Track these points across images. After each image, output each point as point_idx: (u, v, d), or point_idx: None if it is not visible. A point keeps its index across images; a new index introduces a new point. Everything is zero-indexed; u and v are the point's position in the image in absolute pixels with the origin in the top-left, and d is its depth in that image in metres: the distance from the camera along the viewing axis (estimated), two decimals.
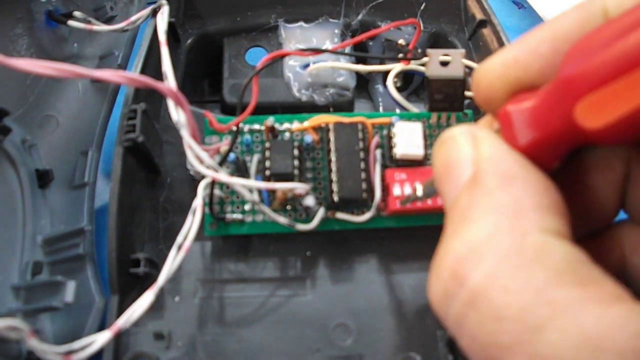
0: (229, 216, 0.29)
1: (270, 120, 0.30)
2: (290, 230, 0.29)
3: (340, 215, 0.30)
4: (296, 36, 0.39)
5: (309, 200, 0.28)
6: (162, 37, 0.31)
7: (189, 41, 0.39)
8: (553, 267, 0.13)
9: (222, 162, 0.28)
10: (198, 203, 0.26)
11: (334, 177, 0.29)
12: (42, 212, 0.33)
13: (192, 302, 0.29)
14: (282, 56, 0.32)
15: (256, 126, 0.31)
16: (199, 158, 0.25)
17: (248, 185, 0.27)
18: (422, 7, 0.40)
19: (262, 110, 0.31)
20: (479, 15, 0.38)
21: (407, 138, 0.30)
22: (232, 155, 0.29)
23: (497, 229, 0.14)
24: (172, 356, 0.27)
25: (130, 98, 0.30)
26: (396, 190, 0.29)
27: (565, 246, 0.14)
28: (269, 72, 0.37)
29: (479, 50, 0.39)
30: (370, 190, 0.29)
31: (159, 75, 0.29)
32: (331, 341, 0.28)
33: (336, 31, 0.40)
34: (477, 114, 0.33)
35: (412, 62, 0.36)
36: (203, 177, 0.27)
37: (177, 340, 0.28)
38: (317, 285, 0.30)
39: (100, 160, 0.36)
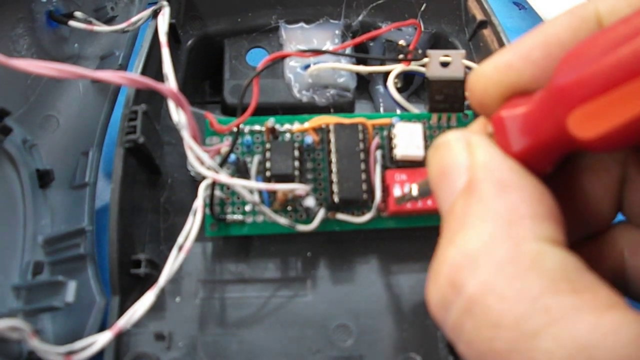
0: (229, 217, 0.30)
1: (270, 121, 0.30)
2: (291, 231, 0.29)
3: (341, 216, 0.30)
4: (297, 37, 0.39)
5: (310, 201, 0.28)
6: (163, 38, 0.31)
7: (190, 42, 0.39)
8: (548, 275, 0.13)
9: (223, 163, 0.28)
10: (199, 204, 0.26)
11: (334, 178, 0.29)
12: (43, 212, 0.33)
13: (192, 302, 0.29)
14: (283, 57, 0.32)
15: (257, 127, 0.31)
16: (200, 159, 0.25)
17: (248, 186, 0.27)
18: (422, 8, 0.40)
19: (263, 111, 0.31)
20: (480, 16, 0.38)
21: (408, 139, 0.30)
22: (232, 156, 0.29)
23: (493, 237, 0.14)
24: (172, 357, 0.28)
25: (131, 99, 0.30)
26: (396, 191, 0.29)
27: (560, 253, 0.14)
28: (270, 73, 0.37)
29: (480, 51, 0.39)
30: (371, 191, 0.29)
31: (159, 76, 0.29)
32: (331, 342, 0.28)
33: (337, 32, 0.40)
34: (477, 114, 0.33)
35: (412, 63, 0.36)
36: (204, 178, 0.27)
37: (178, 340, 0.28)
38: (317, 286, 0.30)
39: (101, 161, 0.36)
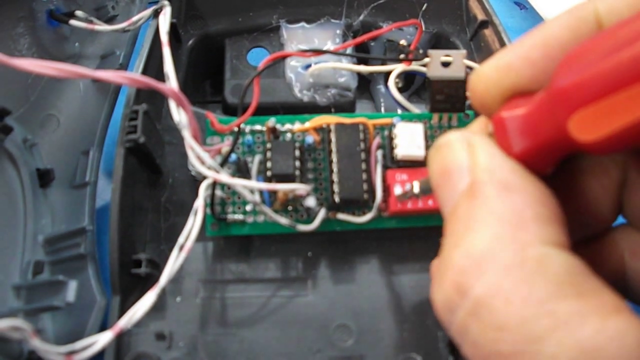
0: (230, 217, 0.30)
1: (271, 121, 0.30)
2: (292, 231, 0.29)
3: (341, 216, 0.30)
4: (298, 37, 0.39)
5: (310, 201, 0.28)
6: (164, 37, 0.31)
7: (191, 42, 0.39)
8: (553, 279, 0.13)
9: (224, 163, 0.28)
10: (199, 204, 0.26)
11: (335, 177, 0.29)
12: (43, 211, 0.33)
13: (193, 302, 0.29)
14: (284, 57, 0.32)
15: (257, 127, 0.31)
16: (201, 159, 0.25)
17: (249, 186, 0.27)
18: (423, 8, 0.40)
19: (264, 110, 0.31)
20: (481, 16, 0.38)
21: (409, 139, 0.30)
22: (233, 156, 0.29)
23: (498, 240, 0.14)
24: (173, 356, 0.27)
25: (131, 99, 0.30)
26: (397, 191, 0.29)
27: (565, 257, 0.14)
28: (271, 73, 0.37)
29: (481, 51, 0.39)
30: (372, 191, 0.29)
31: (160, 76, 0.29)
32: (332, 342, 0.28)
33: (338, 32, 0.40)
34: (478, 114, 0.33)
35: (413, 62, 0.36)
36: (204, 177, 0.27)
37: (179, 340, 0.28)
38: (318, 285, 0.30)
39: (102, 160, 0.36)
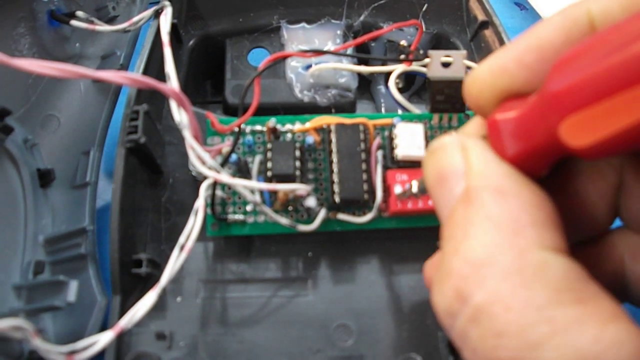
0: (230, 217, 0.30)
1: (272, 121, 0.30)
2: (292, 231, 0.29)
3: (342, 216, 0.30)
4: (298, 37, 0.39)
5: (311, 201, 0.28)
6: (166, 38, 0.31)
7: (191, 42, 0.39)
8: (552, 285, 0.13)
9: (224, 163, 0.28)
10: (200, 204, 0.26)
11: (335, 178, 0.29)
12: (44, 211, 0.33)
13: (194, 302, 0.29)
14: (284, 57, 0.32)
15: (258, 127, 0.31)
16: (201, 159, 0.25)
17: (250, 186, 0.27)
18: (424, 9, 0.40)
19: (264, 111, 0.31)
20: (481, 17, 0.38)
21: (409, 139, 0.30)
22: (234, 156, 0.29)
23: (497, 247, 0.14)
24: (173, 356, 0.28)
25: (132, 99, 0.30)
26: (397, 190, 0.29)
27: (564, 262, 0.14)
28: (271, 73, 0.37)
29: (481, 52, 0.39)
30: (372, 191, 0.29)
31: (161, 76, 0.29)
32: (332, 342, 0.28)
33: (338, 32, 0.40)
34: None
35: (414, 63, 0.36)
36: (205, 178, 0.27)
37: (179, 340, 0.28)
38: (318, 285, 0.30)
39: (102, 160, 0.36)
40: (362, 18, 0.40)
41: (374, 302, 0.30)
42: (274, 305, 0.29)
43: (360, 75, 0.38)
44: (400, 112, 0.38)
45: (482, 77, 0.17)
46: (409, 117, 0.32)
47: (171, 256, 0.25)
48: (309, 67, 0.37)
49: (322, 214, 0.29)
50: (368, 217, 0.30)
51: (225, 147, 0.29)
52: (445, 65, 0.30)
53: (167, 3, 0.34)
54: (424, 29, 0.38)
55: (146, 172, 0.32)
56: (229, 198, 0.30)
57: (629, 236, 0.19)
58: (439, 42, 0.41)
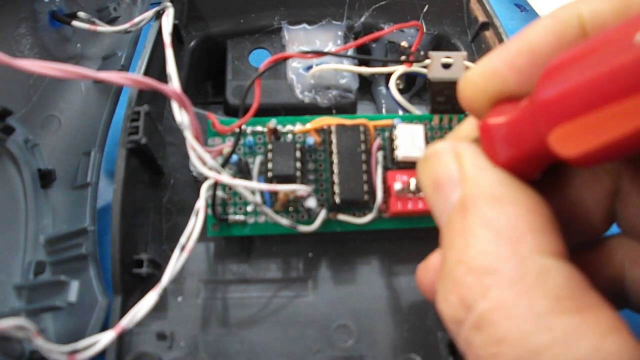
0: (231, 217, 0.30)
1: (272, 122, 0.30)
2: (292, 232, 0.29)
3: (342, 216, 0.30)
4: (299, 38, 0.39)
5: (311, 202, 0.28)
6: (167, 38, 0.31)
7: (192, 43, 0.39)
8: (552, 292, 0.13)
9: (225, 164, 0.28)
10: (201, 204, 0.26)
11: (335, 179, 0.29)
12: (45, 211, 0.33)
13: (194, 302, 0.29)
14: (285, 58, 0.32)
15: (259, 128, 0.31)
16: (202, 159, 0.25)
17: (250, 187, 0.27)
18: (424, 10, 0.40)
19: (265, 112, 0.31)
20: (482, 18, 0.38)
21: (409, 140, 0.30)
22: (234, 157, 0.29)
23: (498, 255, 0.14)
24: (174, 356, 0.28)
25: (133, 99, 0.30)
26: (397, 187, 0.29)
27: (564, 269, 0.14)
28: (272, 74, 0.38)
29: (482, 53, 0.39)
30: (372, 192, 0.30)
31: (162, 77, 0.29)
32: (332, 342, 0.28)
33: (339, 33, 0.40)
34: None
35: (414, 64, 0.36)
36: (206, 178, 0.27)
37: (180, 340, 0.28)
38: (318, 286, 0.30)
39: (103, 160, 0.36)
40: (362, 19, 0.41)
41: (374, 302, 0.30)
42: (274, 305, 0.29)
43: (360, 76, 0.38)
44: (400, 113, 0.38)
45: (475, 80, 0.17)
46: (409, 118, 0.32)
47: (172, 256, 0.25)
48: (309, 68, 0.37)
49: (322, 214, 0.29)
50: (368, 217, 0.30)
51: (226, 147, 0.29)
52: (446, 66, 0.31)
53: (169, 4, 0.34)
54: (424, 30, 0.38)
55: (147, 172, 0.32)
56: (230, 199, 0.30)
57: (627, 242, 0.19)
58: (440, 43, 0.41)
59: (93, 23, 0.36)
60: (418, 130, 0.31)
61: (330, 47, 0.39)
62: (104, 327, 0.29)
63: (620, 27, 0.13)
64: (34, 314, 0.29)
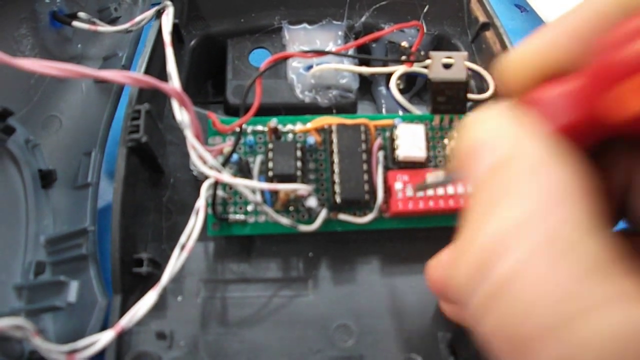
0: (231, 217, 0.30)
1: (273, 121, 0.30)
2: (293, 231, 0.29)
3: (343, 216, 0.30)
4: (300, 38, 0.39)
5: (312, 202, 0.28)
6: (167, 38, 0.31)
7: (193, 42, 0.39)
8: (585, 261, 0.13)
9: (225, 163, 0.28)
10: (201, 203, 0.26)
11: (336, 178, 0.29)
12: (45, 212, 0.33)
13: (194, 302, 0.29)
14: (286, 58, 0.32)
15: (259, 127, 0.31)
16: (203, 158, 0.25)
17: (251, 186, 0.27)
18: (425, 10, 0.40)
19: (265, 111, 0.31)
20: (482, 18, 0.38)
21: (410, 140, 0.30)
22: (235, 156, 0.29)
23: (529, 218, 0.13)
24: (174, 356, 0.28)
25: (134, 98, 0.30)
26: (398, 192, 0.29)
27: (598, 238, 0.13)
28: (273, 74, 0.38)
29: (482, 53, 0.39)
30: (373, 191, 0.30)
31: (162, 76, 0.29)
32: (332, 342, 0.28)
33: (339, 33, 0.40)
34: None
35: (415, 64, 0.36)
36: (206, 177, 0.27)
37: (180, 339, 0.28)
38: (319, 286, 0.30)
39: (104, 161, 0.36)
40: (363, 19, 0.41)
41: (374, 302, 0.30)
42: (274, 305, 0.29)
43: (361, 76, 0.38)
44: (401, 113, 0.38)
45: (527, 56, 0.16)
46: (409, 118, 0.32)
47: (172, 256, 0.25)
48: (310, 67, 0.37)
49: (323, 214, 0.29)
50: (369, 217, 0.30)
51: (227, 147, 0.29)
52: (446, 66, 0.31)
53: (169, 3, 0.34)
54: (425, 30, 0.38)
55: (147, 171, 0.32)
56: (230, 198, 0.30)
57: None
58: (440, 43, 0.41)
59: (94, 23, 0.36)
60: (419, 130, 0.31)
61: (331, 47, 0.39)
62: (104, 327, 0.29)
63: None
64: (33, 314, 0.29)
